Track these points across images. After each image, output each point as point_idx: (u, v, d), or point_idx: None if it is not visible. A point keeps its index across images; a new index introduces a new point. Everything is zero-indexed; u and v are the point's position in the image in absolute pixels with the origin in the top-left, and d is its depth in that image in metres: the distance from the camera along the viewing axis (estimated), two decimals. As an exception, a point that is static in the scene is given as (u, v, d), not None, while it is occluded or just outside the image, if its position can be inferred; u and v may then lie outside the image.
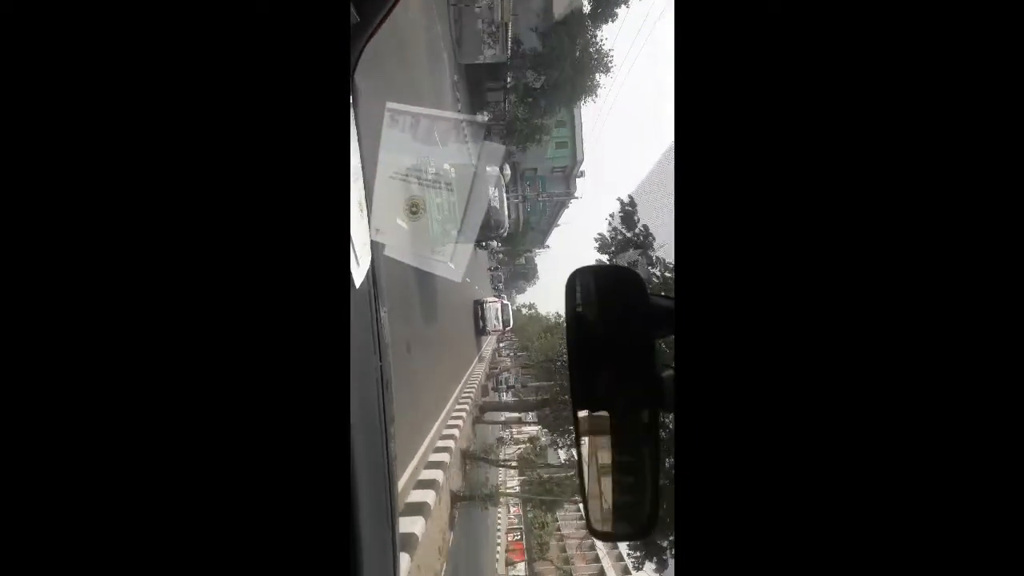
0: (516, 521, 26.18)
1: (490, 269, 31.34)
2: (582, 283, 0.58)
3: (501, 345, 30.34)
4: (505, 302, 21.66)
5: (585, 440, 0.57)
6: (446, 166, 0.93)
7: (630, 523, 0.56)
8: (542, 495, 14.53)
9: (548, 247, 43.69)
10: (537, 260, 51.22)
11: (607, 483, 0.57)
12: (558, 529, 27.70)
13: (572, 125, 29.06)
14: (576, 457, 0.58)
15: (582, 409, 0.57)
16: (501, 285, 36.62)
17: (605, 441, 0.56)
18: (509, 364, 26.02)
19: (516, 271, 50.44)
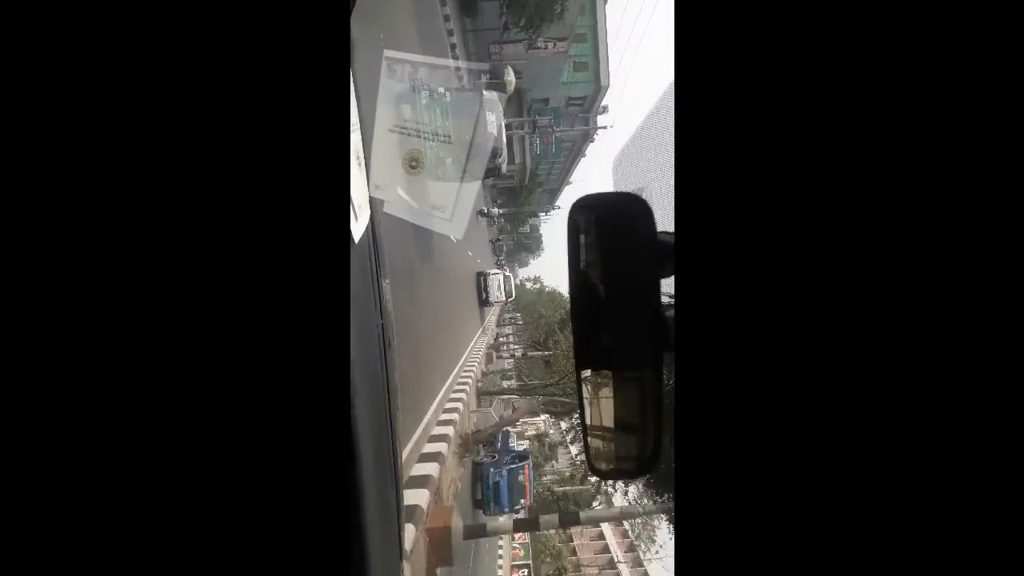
0: (521, 553, 20.45)
1: (492, 240, 29.24)
2: (585, 215, 0.57)
3: (502, 340, 21.65)
4: (507, 274, 21.75)
5: (588, 381, 0.59)
6: (441, 89, 0.90)
7: (630, 462, 0.58)
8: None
9: (559, 208, 35.84)
10: (543, 229, 47.19)
11: (608, 421, 0.59)
12: (573, 552, 23.73)
13: (595, 37, 21.85)
14: (577, 393, 0.60)
15: (582, 345, 0.58)
16: (503, 258, 35.72)
17: (608, 380, 0.58)
18: (515, 374, 16.57)
19: (520, 241, 47.24)
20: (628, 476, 0.65)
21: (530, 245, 51.72)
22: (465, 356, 11.13)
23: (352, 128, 0.68)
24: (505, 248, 37.76)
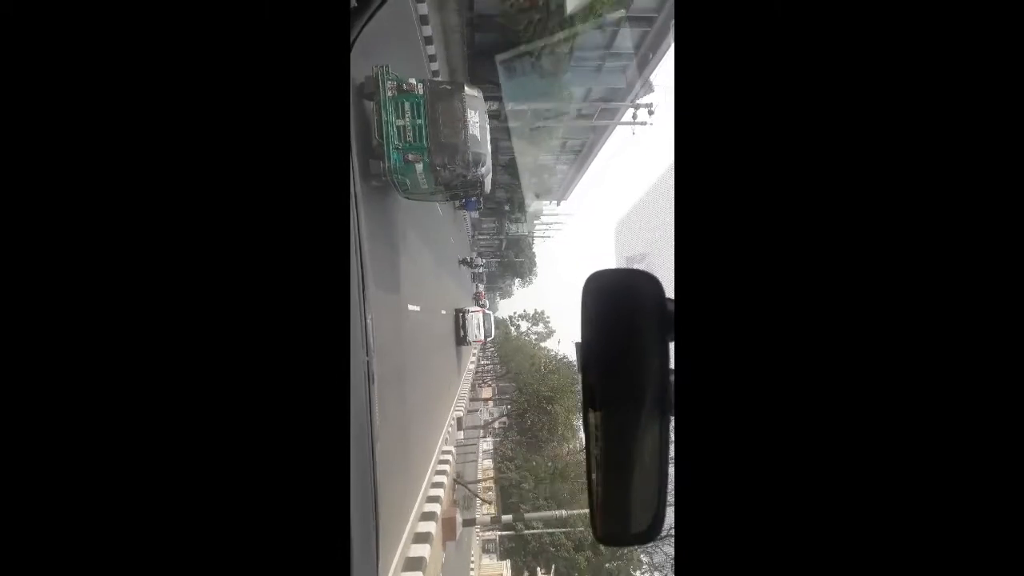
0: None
1: (468, 263, 25.33)
2: (599, 287, 0.65)
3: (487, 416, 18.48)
4: (488, 311, 21.68)
5: (594, 447, 0.66)
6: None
7: (637, 528, 0.67)
8: None
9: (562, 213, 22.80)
10: (543, 243, 36.95)
11: (615, 490, 0.68)
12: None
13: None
14: (586, 465, 0.68)
15: (594, 413, 0.66)
16: (481, 286, 33.20)
17: (616, 446, 0.66)
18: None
19: (507, 261, 36.68)
20: (637, 542, 0.67)
21: (519, 267, 39.82)
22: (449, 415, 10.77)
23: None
24: (485, 275, 34.94)
